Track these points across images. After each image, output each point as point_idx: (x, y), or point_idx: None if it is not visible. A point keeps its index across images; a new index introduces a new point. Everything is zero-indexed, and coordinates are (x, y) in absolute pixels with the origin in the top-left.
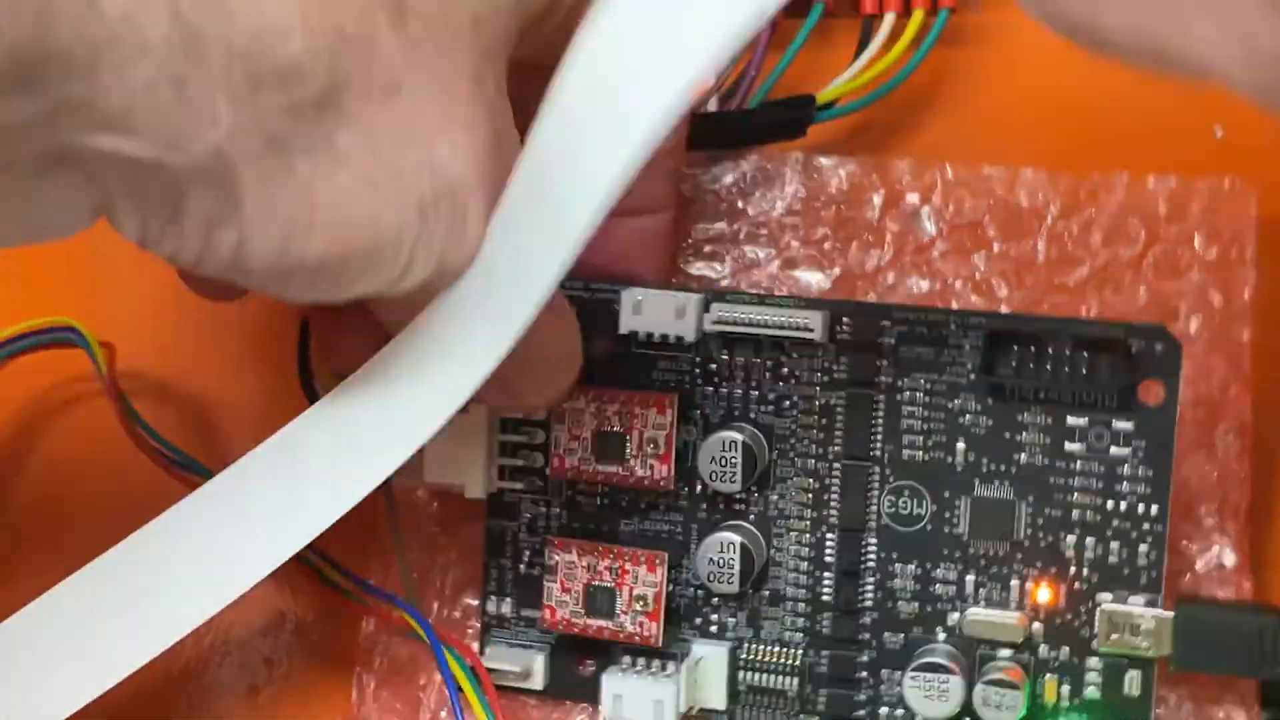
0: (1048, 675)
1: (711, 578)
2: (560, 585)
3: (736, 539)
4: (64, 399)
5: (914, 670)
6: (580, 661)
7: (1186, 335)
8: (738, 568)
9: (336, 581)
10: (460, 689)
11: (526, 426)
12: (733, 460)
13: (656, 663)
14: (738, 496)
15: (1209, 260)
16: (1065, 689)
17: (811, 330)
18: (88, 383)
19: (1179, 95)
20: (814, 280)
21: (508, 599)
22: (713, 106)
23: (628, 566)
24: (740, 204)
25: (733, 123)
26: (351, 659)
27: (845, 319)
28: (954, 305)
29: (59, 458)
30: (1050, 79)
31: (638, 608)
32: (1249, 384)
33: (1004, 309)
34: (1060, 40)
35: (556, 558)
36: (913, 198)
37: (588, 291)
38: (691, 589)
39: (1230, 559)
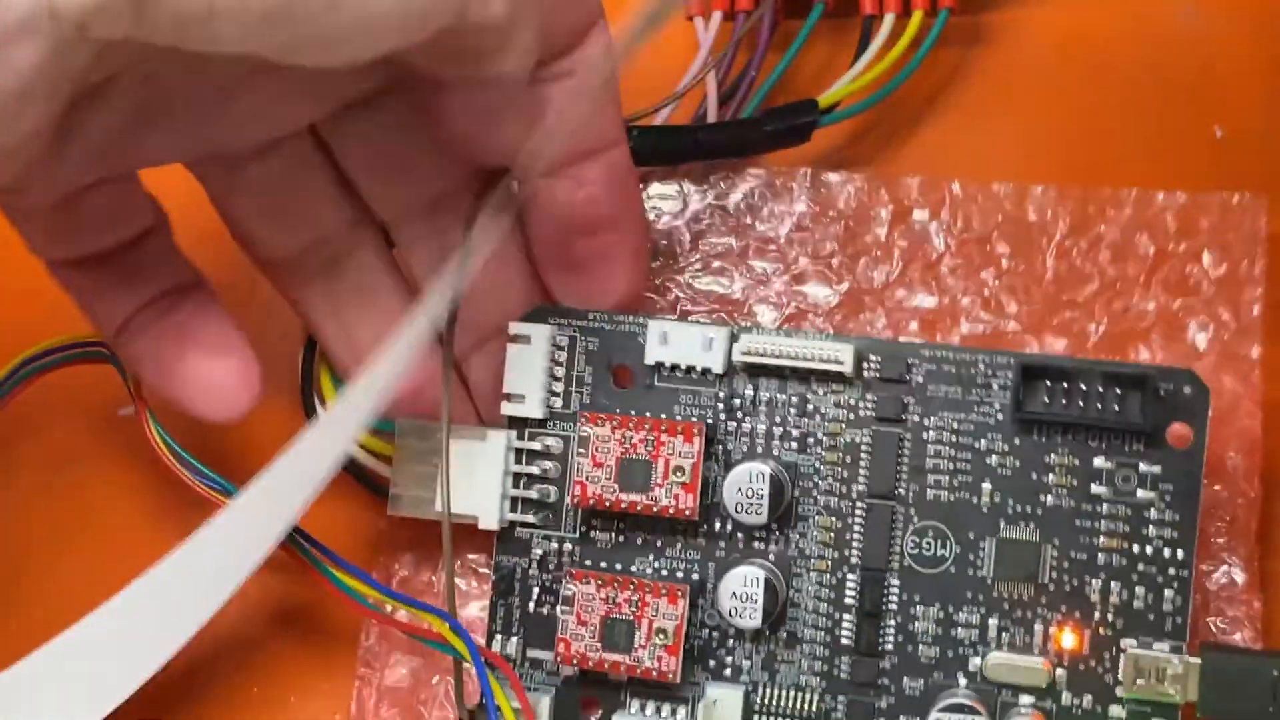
0: None
1: (734, 613)
2: (577, 618)
3: (761, 573)
4: (91, 415)
5: (940, 711)
6: (586, 705)
7: (1195, 352)
8: (761, 602)
9: (373, 602)
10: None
11: (542, 459)
12: (759, 492)
13: (667, 707)
14: (757, 535)
15: (1218, 276)
16: None
17: (842, 363)
18: (112, 402)
19: (1178, 94)
20: (822, 295)
21: (514, 638)
22: (712, 112)
23: (648, 599)
24: (748, 219)
25: (738, 132)
26: (353, 659)
27: (873, 355)
28: (962, 321)
29: (85, 472)
30: (1050, 79)
31: (658, 641)
32: (1259, 401)
33: (1013, 325)
34: (1060, 38)
35: (574, 589)
36: (921, 214)
37: (611, 323)
38: (706, 629)
39: (1240, 578)
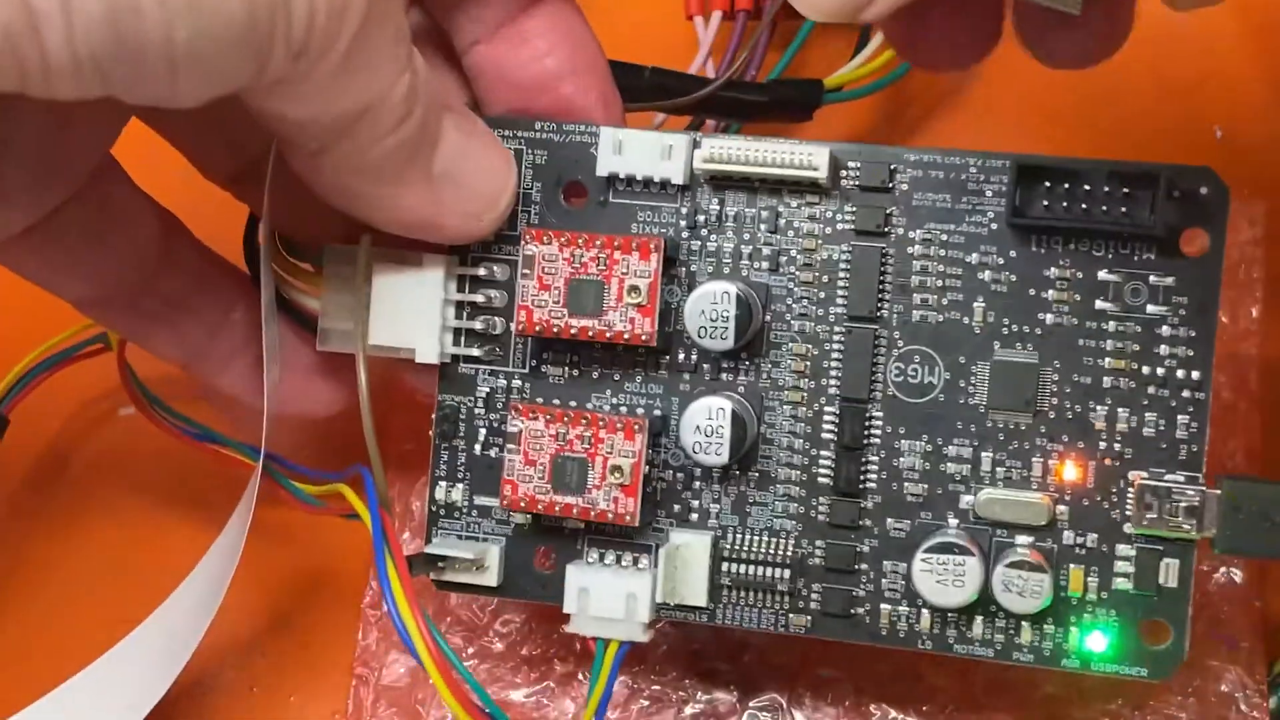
0: (1072, 565)
1: (697, 449)
2: (524, 457)
3: (727, 404)
4: (91, 413)
5: (926, 551)
6: (541, 555)
7: None
8: (728, 436)
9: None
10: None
11: (486, 287)
12: (725, 314)
13: (628, 556)
14: (724, 365)
15: None
16: (1092, 580)
17: (816, 169)
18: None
19: (1178, 94)
20: None
21: (459, 485)
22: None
23: (603, 435)
24: None
25: (746, 93)
26: (351, 658)
27: (852, 162)
28: None
29: (86, 469)
30: (1049, 80)
31: (613, 480)
32: (1257, 402)
33: None
34: None
35: (520, 425)
36: None
37: (560, 134)
38: (670, 471)
39: (1240, 578)
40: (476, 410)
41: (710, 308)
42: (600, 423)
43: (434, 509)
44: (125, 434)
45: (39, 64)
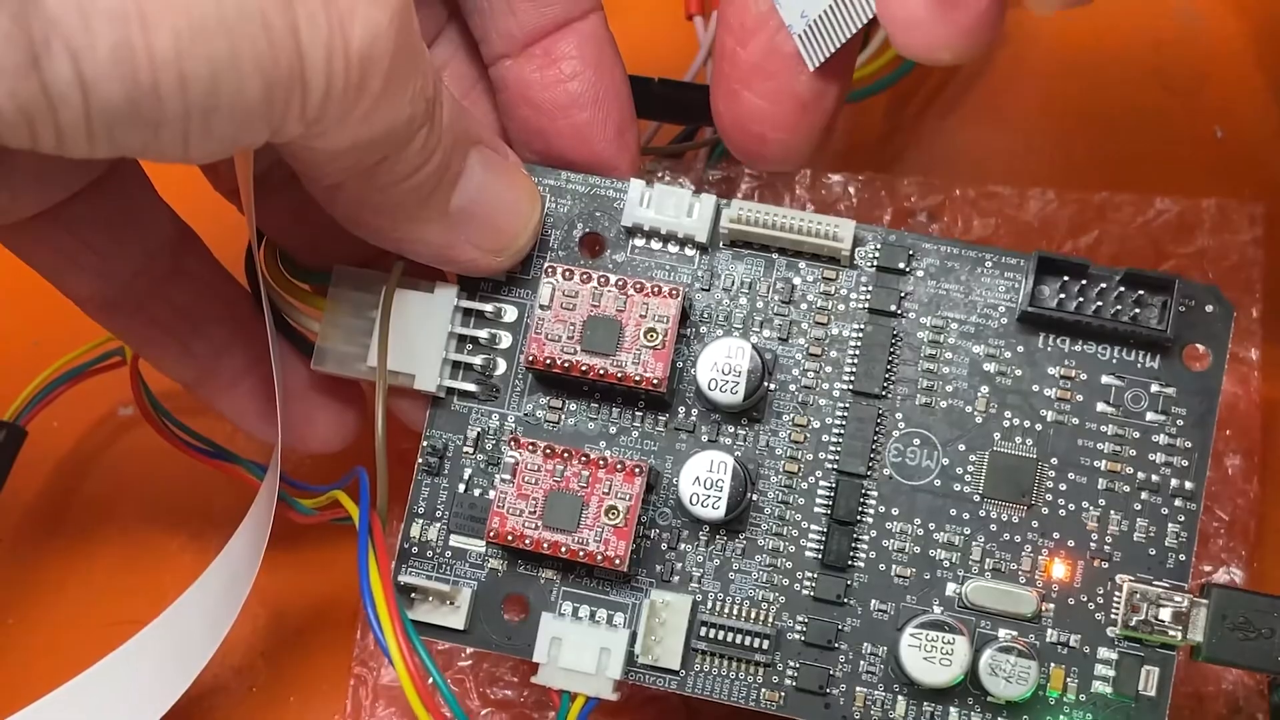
0: (1053, 664)
1: (694, 500)
2: (517, 489)
3: (729, 458)
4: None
5: (916, 627)
6: (511, 604)
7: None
8: (728, 491)
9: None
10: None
11: (492, 326)
12: (738, 368)
13: (603, 612)
14: (723, 429)
15: (1217, 278)
16: (1072, 681)
17: (841, 241)
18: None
19: (1177, 95)
20: None
21: (436, 524)
22: None
23: (601, 475)
24: None
25: None
26: (350, 659)
27: (872, 242)
28: None
29: (89, 469)
30: (1050, 80)
31: (607, 520)
32: (1258, 403)
33: None
34: (1060, 39)
35: (517, 457)
36: (921, 216)
37: (586, 185)
38: (655, 530)
39: (1239, 577)
40: (465, 449)
41: (725, 360)
42: (600, 463)
43: (406, 546)
44: (140, 446)
45: (53, 135)
